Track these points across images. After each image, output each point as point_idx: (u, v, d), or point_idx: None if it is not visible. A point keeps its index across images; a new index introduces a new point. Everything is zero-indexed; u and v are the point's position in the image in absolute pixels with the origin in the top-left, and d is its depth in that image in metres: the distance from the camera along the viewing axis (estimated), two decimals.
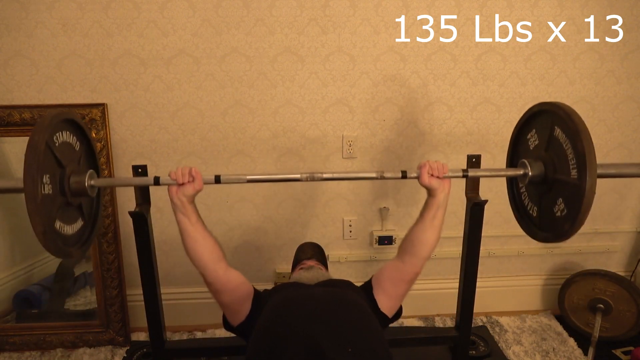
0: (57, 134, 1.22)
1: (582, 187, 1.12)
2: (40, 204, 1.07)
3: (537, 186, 1.34)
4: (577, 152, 1.15)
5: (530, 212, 1.40)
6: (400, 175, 1.36)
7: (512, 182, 1.52)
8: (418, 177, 1.36)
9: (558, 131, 1.24)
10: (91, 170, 1.30)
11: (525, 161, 1.34)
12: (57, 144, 1.20)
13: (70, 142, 1.30)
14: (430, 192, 1.37)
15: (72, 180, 1.23)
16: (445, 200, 1.36)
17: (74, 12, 1.84)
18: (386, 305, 1.40)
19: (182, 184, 1.30)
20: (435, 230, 1.37)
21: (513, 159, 1.52)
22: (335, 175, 1.41)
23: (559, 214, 1.24)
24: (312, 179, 1.34)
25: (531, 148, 1.39)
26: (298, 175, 1.35)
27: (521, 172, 1.33)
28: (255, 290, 1.41)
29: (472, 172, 1.40)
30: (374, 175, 1.38)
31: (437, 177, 1.34)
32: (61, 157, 1.21)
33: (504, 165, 2.16)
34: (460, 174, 1.37)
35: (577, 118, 1.17)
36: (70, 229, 1.25)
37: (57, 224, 1.18)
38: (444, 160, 2.14)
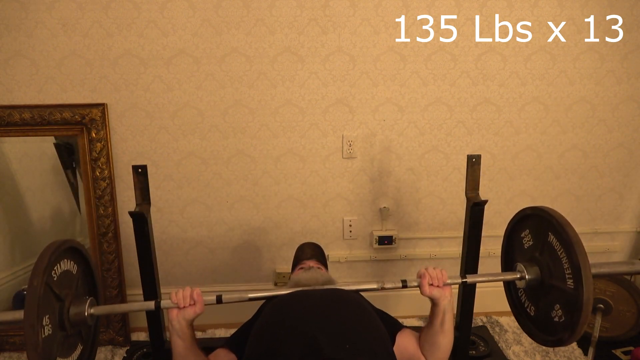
0: (56, 267, 1.16)
1: (579, 299, 1.14)
2: (41, 351, 1.03)
3: (533, 288, 1.36)
4: (572, 264, 1.18)
5: (528, 310, 1.42)
6: (400, 285, 1.35)
7: (509, 283, 1.53)
8: (419, 287, 1.33)
9: (552, 237, 1.27)
10: (91, 298, 1.24)
11: (521, 265, 1.35)
12: (55, 279, 1.14)
13: (68, 269, 1.23)
14: (433, 301, 1.35)
15: (72, 312, 1.18)
16: (449, 305, 1.34)
17: (74, 12, 1.84)
18: (399, 356, 1.36)
19: (183, 307, 1.26)
20: (446, 334, 1.34)
21: (507, 258, 1.54)
22: (337, 287, 1.38)
23: (557, 319, 1.26)
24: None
25: (525, 247, 1.41)
26: (299, 288, 1.34)
27: (517, 275, 1.35)
28: (228, 345, 1.38)
29: (470, 279, 1.41)
30: (375, 286, 1.36)
31: (437, 285, 1.32)
32: (60, 290, 1.15)
33: (504, 165, 2.18)
34: (459, 280, 1.37)
35: (571, 230, 1.19)
36: None
37: None
38: (444, 160, 2.15)
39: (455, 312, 1.41)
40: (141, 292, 1.71)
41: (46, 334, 1.08)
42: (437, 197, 2.21)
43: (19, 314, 1.05)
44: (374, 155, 2.13)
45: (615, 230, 2.35)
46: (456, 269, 1.92)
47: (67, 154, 2.05)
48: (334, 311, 1.24)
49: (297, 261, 1.77)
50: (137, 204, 1.63)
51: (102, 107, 1.94)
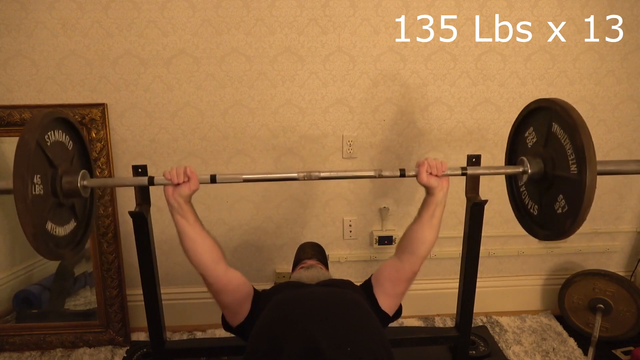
0: (49, 133, 1.18)
1: (582, 181, 1.11)
2: (31, 204, 1.04)
3: (536, 184, 1.33)
4: (576, 147, 1.14)
5: (531, 210, 1.39)
6: (398, 173, 1.35)
7: (511, 181, 1.51)
8: (416, 176, 1.34)
9: (556, 127, 1.24)
10: (84, 171, 1.27)
11: (524, 158, 1.32)
12: (48, 144, 1.17)
13: (62, 141, 1.26)
14: (429, 191, 1.35)
15: (65, 180, 1.19)
16: (444, 198, 1.35)
17: (74, 12, 1.84)
18: (386, 304, 1.40)
19: (178, 184, 1.27)
20: (433, 229, 1.35)
21: (511, 158, 1.51)
22: (333, 174, 1.38)
23: (560, 210, 1.23)
24: (310, 178, 1.32)
25: (529, 146, 1.38)
26: (295, 174, 1.32)
27: (520, 169, 1.32)
28: (255, 290, 1.41)
29: (470, 170, 1.39)
30: (372, 173, 1.36)
31: (436, 175, 1.32)
32: (53, 156, 1.17)
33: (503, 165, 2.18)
34: (459, 171, 1.36)
35: (574, 113, 1.16)
36: (62, 230, 1.22)
37: (49, 225, 1.15)
38: (444, 160, 2.15)
39: (444, 207, 1.39)
40: (141, 292, 1.71)
41: (36, 193, 1.08)
42: None
43: (9, 182, 1.04)
44: (374, 155, 2.13)
45: (615, 230, 2.35)
46: (456, 269, 1.92)
47: None
48: (335, 312, 1.24)
49: (298, 260, 1.77)
50: (137, 204, 1.63)
51: (102, 107, 1.94)
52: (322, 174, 1.35)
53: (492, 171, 1.40)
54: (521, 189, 1.45)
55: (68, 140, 1.29)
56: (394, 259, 1.42)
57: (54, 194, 1.17)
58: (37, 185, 1.09)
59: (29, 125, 1.10)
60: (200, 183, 1.31)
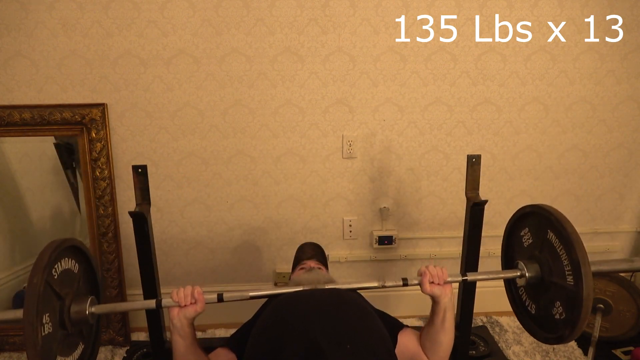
0: (57, 265, 1.15)
1: (579, 295, 1.15)
2: (41, 349, 1.03)
3: (534, 286, 1.37)
4: (572, 261, 1.19)
5: (529, 308, 1.42)
6: (401, 283, 1.35)
7: (509, 281, 1.54)
8: (419, 285, 1.34)
9: (551, 235, 1.28)
10: (92, 297, 1.24)
11: (521, 262, 1.36)
12: (56, 277, 1.14)
13: (69, 267, 1.23)
14: (434, 299, 1.36)
15: (73, 310, 1.17)
16: (450, 303, 1.35)
17: (74, 12, 1.84)
18: (401, 356, 1.37)
19: (184, 306, 1.26)
20: (447, 332, 1.35)
21: (507, 254, 1.55)
22: (338, 287, 1.38)
23: (557, 316, 1.27)
24: (315, 289, 1.33)
25: (525, 246, 1.42)
26: (300, 288, 1.34)
27: (518, 273, 1.36)
28: (230, 344, 1.38)
29: (470, 277, 1.41)
30: (375, 284, 1.36)
31: (438, 284, 1.33)
32: (60, 289, 1.15)
33: (504, 165, 2.18)
34: (459, 278, 1.38)
35: (569, 227, 1.20)
36: (70, 359, 1.21)
37: None
38: (444, 160, 2.15)
39: (455, 310, 1.41)
40: (141, 292, 1.71)
41: (46, 332, 1.08)
42: (437, 197, 2.21)
43: (19, 313, 1.05)
44: (374, 155, 2.13)
45: (615, 230, 2.35)
46: (456, 268, 1.92)
47: (67, 154, 2.05)
48: (335, 313, 1.24)
49: (298, 261, 1.77)
50: (137, 204, 1.63)
51: (102, 107, 1.94)
52: (327, 286, 1.35)
53: (490, 276, 1.42)
54: (519, 286, 1.47)
55: (74, 264, 1.26)
56: (420, 346, 1.40)
57: (62, 327, 1.16)
58: (46, 325, 1.07)
59: (36, 267, 1.07)
60: (207, 303, 1.29)
